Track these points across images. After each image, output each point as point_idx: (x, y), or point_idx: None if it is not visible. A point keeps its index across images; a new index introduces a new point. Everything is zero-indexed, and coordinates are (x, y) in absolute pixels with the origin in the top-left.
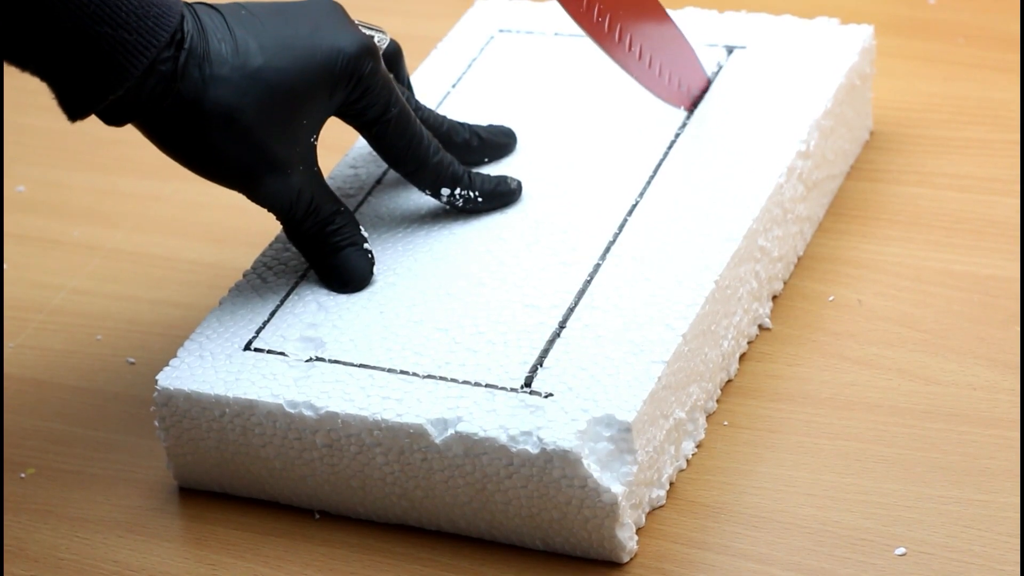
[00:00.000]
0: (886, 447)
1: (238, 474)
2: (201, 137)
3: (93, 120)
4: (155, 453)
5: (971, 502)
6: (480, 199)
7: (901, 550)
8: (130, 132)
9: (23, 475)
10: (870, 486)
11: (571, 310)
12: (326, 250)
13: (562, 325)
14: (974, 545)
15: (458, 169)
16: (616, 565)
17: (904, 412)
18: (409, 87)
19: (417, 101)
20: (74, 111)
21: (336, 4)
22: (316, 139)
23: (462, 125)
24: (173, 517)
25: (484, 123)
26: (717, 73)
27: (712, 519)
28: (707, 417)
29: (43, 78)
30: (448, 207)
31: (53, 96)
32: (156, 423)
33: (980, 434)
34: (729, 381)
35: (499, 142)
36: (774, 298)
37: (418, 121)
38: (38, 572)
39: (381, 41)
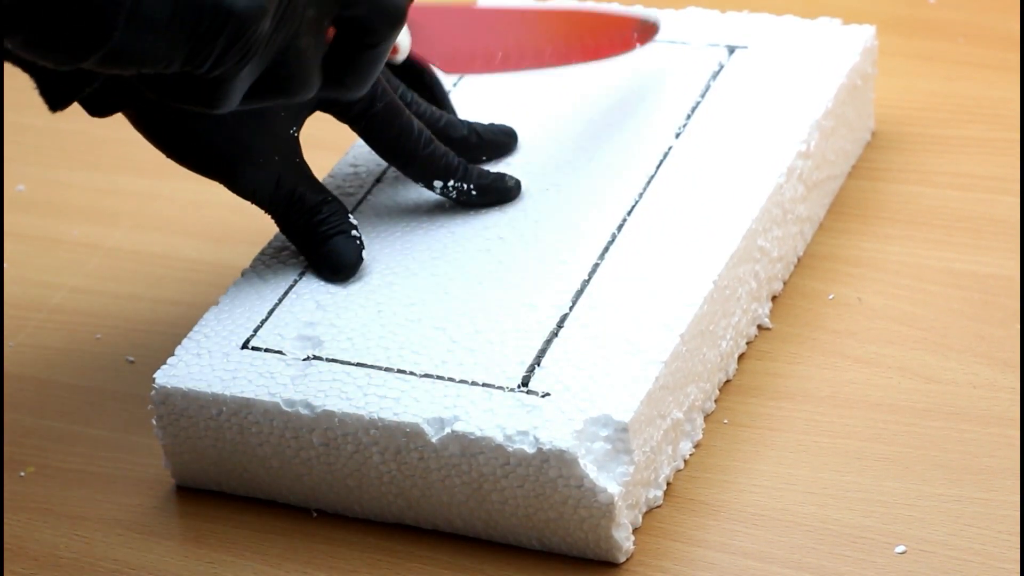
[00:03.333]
0: (886, 445)
1: (235, 472)
2: (180, 126)
3: (93, 119)
4: (155, 451)
5: (971, 500)
6: (474, 192)
7: (901, 548)
8: (130, 131)
9: (23, 474)
10: (870, 484)
11: (569, 310)
12: (315, 240)
13: (560, 325)
14: (974, 543)
15: (452, 161)
16: (614, 564)
17: (904, 410)
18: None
19: (413, 95)
20: (54, 101)
21: None
22: (297, 131)
23: (461, 122)
24: (173, 515)
25: (485, 122)
26: (718, 73)
27: (712, 517)
28: (705, 417)
29: (24, 69)
30: (444, 199)
31: (35, 87)
32: (154, 421)
33: (980, 432)
34: (728, 381)
35: (499, 141)
36: (773, 298)
37: (409, 114)
38: (38, 570)
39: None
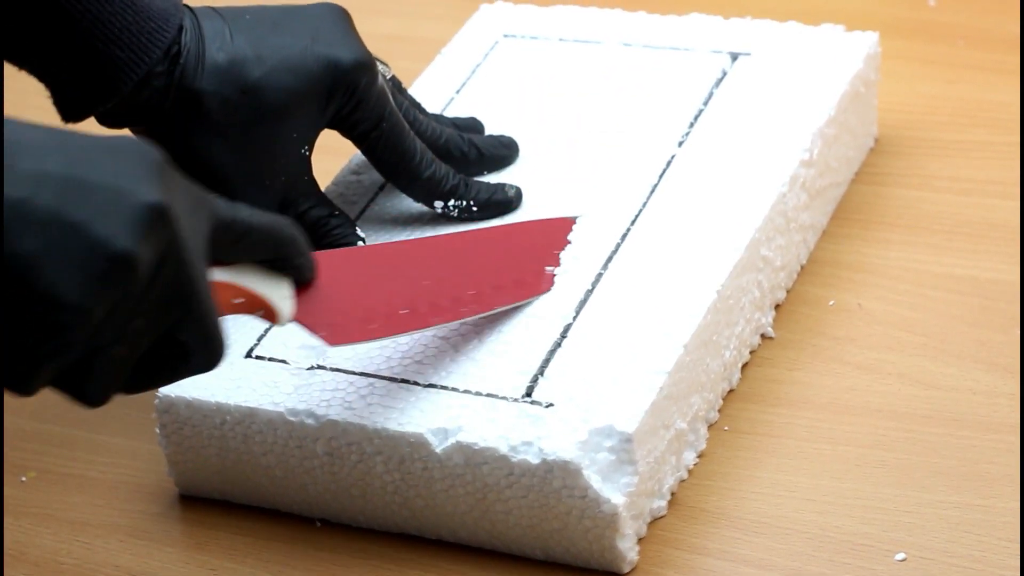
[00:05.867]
0: (886, 452)
1: (239, 482)
2: (187, 145)
3: (91, 121)
4: (156, 457)
5: (971, 507)
6: (475, 208)
7: (901, 555)
8: (130, 133)
9: (24, 479)
10: (870, 491)
11: (572, 320)
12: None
13: (563, 335)
14: (974, 550)
15: (453, 180)
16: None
17: (904, 417)
18: (415, 105)
19: (416, 114)
20: (67, 115)
21: (342, 11)
22: (309, 151)
23: (461, 137)
24: (174, 521)
25: (487, 131)
26: (721, 80)
27: (712, 525)
28: (708, 426)
29: (39, 79)
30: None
31: (49, 96)
32: (158, 430)
33: (980, 439)
34: (731, 390)
35: (499, 154)
36: (776, 307)
37: (412, 135)
38: None
39: (383, 74)
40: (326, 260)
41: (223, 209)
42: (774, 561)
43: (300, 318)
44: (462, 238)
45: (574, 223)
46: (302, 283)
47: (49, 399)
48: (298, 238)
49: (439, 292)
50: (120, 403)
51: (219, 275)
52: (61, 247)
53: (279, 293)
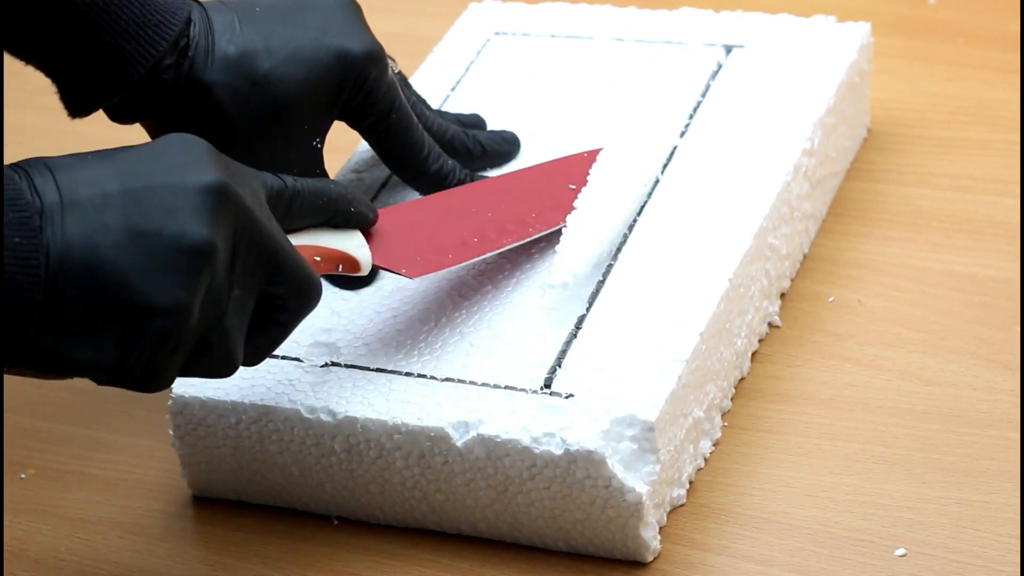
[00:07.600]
0: (886, 448)
1: (255, 481)
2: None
3: (93, 121)
4: (155, 454)
5: (971, 503)
6: None
7: (901, 551)
8: (130, 132)
9: (23, 475)
10: (870, 487)
11: (586, 311)
12: None
13: (578, 326)
14: (974, 546)
15: (459, 175)
16: (618, 564)
17: (904, 413)
18: (420, 101)
19: (423, 109)
20: (73, 109)
21: (352, 2)
22: (320, 143)
23: (466, 133)
24: (173, 518)
25: (487, 127)
26: (717, 72)
27: (712, 520)
28: (722, 415)
29: (46, 74)
30: None
31: (55, 91)
32: (171, 431)
33: (980, 435)
34: (742, 379)
35: (501, 150)
36: (782, 295)
37: (420, 128)
38: (38, 573)
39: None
40: (389, 211)
41: (271, 178)
42: (774, 557)
43: (378, 261)
44: (510, 176)
45: (599, 152)
46: (368, 226)
47: (48, 397)
48: (346, 190)
49: (504, 219)
50: (119, 400)
51: (293, 240)
52: (142, 258)
53: (353, 243)
